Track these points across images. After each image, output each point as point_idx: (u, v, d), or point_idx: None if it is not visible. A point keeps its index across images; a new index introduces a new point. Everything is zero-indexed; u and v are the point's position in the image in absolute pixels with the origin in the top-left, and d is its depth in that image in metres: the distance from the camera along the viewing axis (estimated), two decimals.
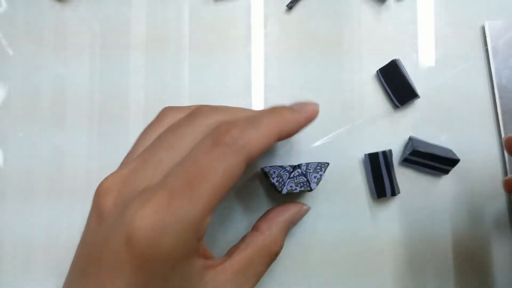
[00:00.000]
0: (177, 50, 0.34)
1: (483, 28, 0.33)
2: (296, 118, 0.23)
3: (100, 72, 0.34)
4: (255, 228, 0.26)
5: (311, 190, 0.28)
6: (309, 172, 0.28)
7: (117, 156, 0.33)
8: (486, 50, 0.33)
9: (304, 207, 0.29)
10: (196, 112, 0.23)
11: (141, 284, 0.18)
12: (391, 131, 0.33)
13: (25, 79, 0.34)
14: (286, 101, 0.33)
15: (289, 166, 0.29)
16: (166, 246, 0.18)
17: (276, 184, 0.28)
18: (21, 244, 0.32)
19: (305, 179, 0.28)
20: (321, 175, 0.28)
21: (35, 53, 0.34)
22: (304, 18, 0.34)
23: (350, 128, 0.33)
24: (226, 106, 0.24)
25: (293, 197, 0.32)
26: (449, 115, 0.33)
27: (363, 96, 0.33)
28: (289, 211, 0.27)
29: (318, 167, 0.29)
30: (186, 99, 0.33)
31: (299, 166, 0.29)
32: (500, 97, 0.32)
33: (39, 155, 0.33)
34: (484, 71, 0.33)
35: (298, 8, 0.34)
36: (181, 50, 0.34)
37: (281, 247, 0.26)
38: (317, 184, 0.28)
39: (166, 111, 0.25)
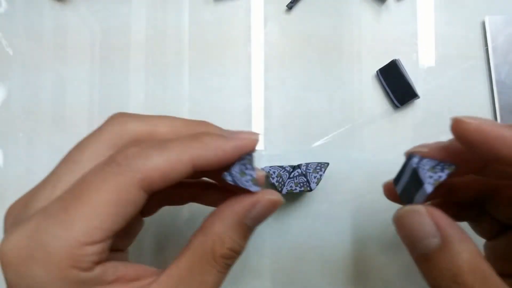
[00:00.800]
0: (177, 50, 0.34)
1: (483, 25, 0.33)
2: (221, 146, 0.18)
3: (100, 72, 0.34)
4: (200, 226, 0.21)
5: (311, 190, 0.28)
6: (309, 172, 0.28)
7: None
8: (486, 50, 0.33)
9: (266, 197, 0.20)
10: (106, 121, 0.20)
11: None
12: (391, 131, 0.33)
13: (25, 79, 0.34)
14: (286, 101, 0.33)
15: (289, 166, 0.29)
16: (36, 276, 0.16)
17: (276, 184, 0.28)
18: None
19: (305, 179, 0.28)
20: (321, 175, 0.28)
21: (35, 53, 0.34)
22: (304, 18, 0.34)
23: (350, 128, 0.33)
24: (149, 115, 0.20)
25: (294, 197, 0.32)
26: (449, 115, 0.33)
27: (363, 96, 0.33)
28: (241, 203, 0.20)
29: (318, 167, 0.29)
30: (186, 99, 0.33)
31: (299, 166, 0.29)
32: (499, 92, 0.32)
33: (39, 155, 0.33)
34: (484, 70, 0.33)
35: (298, 8, 0.34)
36: (181, 50, 0.34)
37: (233, 248, 0.19)
38: (317, 184, 0.28)
39: (112, 120, 0.20)
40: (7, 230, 0.18)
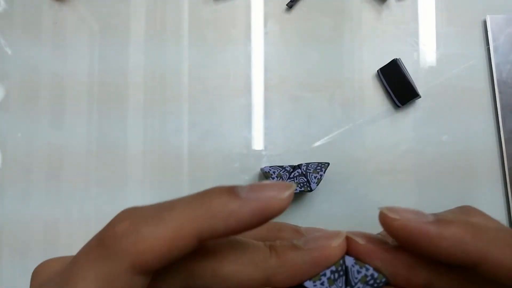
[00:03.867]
0: (177, 49, 0.34)
1: (484, 24, 0.33)
2: (233, 212, 0.14)
3: (99, 71, 0.34)
4: None
5: (311, 190, 0.28)
6: (309, 172, 0.28)
7: (116, 156, 0.33)
8: (488, 49, 0.33)
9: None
10: (109, 236, 0.15)
11: None
12: (392, 131, 0.32)
13: (23, 78, 0.33)
14: (286, 101, 0.33)
15: (289, 166, 0.29)
16: None
17: None
18: (19, 244, 0.32)
19: (305, 179, 0.28)
20: (321, 175, 0.28)
21: (34, 52, 0.34)
22: (304, 17, 0.34)
23: (351, 128, 0.33)
24: (149, 219, 0.15)
25: (294, 197, 0.31)
26: (450, 115, 0.32)
27: (363, 96, 0.33)
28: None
29: (318, 167, 0.28)
30: (186, 99, 0.33)
31: (299, 166, 0.29)
32: (500, 92, 0.32)
33: (38, 155, 0.33)
34: (485, 69, 0.33)
35: (298, 7, 0.34)
36: (181, 49, 0.34)
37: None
38: (317, 184, 0.28)
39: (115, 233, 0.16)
40: None
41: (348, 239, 0.16)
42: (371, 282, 0.17)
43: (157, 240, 0.14)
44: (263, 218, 0.14)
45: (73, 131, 0.33)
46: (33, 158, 0.33)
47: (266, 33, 0.34)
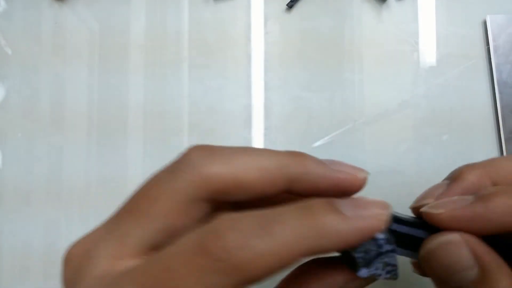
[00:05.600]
0: (176, 49, 0.34)
1: (484, 24, 0.33)
2: (341, 233, 0.14)
3: (99, 72, 0.34)
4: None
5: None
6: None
7: (116, 154, 0.33)
8: (488, 49, 0.33)
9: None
10: (180, 160, 0.15)
11: None
12: (392, 131, 0.32)
13: (23, 78, 0.33)
14: (286, 101, 0.33)
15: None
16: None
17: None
18: (19, 246, 0.32)
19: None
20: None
21: (34, 52, 0.34)
22: (304, 18, 0.34)
23: (351, 128, 0.33)
24: (230, 149, 0.16)
25: None
26: (450, 115, 0.32)
27: (363, 96, 0.33)
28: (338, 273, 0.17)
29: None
30: (186, 99, 0.33)
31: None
32: (500, 92, 0.32)
33: (37, 155, 0.33)
34: (485, 69, 0.33)
35: (298, 7, 0.34)
36: (180, 50, 0.34)
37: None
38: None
39: (190, 157, 0.15)
40: (68, 285, 0.16)
41: (427, 215, 0.17)
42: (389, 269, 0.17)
43: (269, 256, 0.13)
44: (363, 237, 0.14)
45: (73, 131, 0.33)
46: (33, 158, 0.33)
47: (266, 33, 0.34)
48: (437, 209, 0.16)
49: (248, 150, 0.15)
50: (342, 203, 0.14)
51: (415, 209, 0.19)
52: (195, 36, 0.34)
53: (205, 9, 0.34)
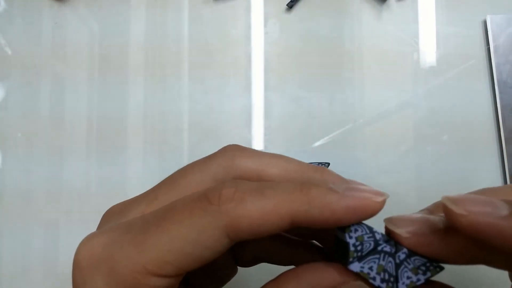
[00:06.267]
0: (176, 49, 0.34)
1: (484, 24, 0.33)
2: (329, 204, 0.15)
3: (99, 71, 0.34)
4: (274, 278, 0.18)
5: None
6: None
7: (116, 154, 0.33)
8: (488, 49, 0.33)
9: (358, 284, 0.16)
10: (218, 151, 0.18)
11: None
12: (392, 131, 0.32)
13: (24, 78, 0.34)
14: (286, 101, 0.33)
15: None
16: (94, 285, 0.15)
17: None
18: (19, 246, 0.32)
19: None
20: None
21: (34, 52, 0.34)
22: (304, 18, 0.34)
23: (351, 128, 0.33)
24: (263, 152, 0.18)
25: None
26: (450, 115, 0.32)
27: (363, 96, 0.33)
28: (327, 276, 0.16)
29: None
30: (186, 99, 0.33)
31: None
32: (500, 92, 0.32)
33: (37, 155, 0.33)
34: (485, 70, 0.33)
35: (298, 7, 0.34)
36: (180, 50, 0.34)
37: None
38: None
39: (224, 151, 0.18)
40: (99, 227, 0.18)
41: (448, 212, 0.14)
42: (423, 269, 0.16)
43: (256, 211, 0.15)
44: (355, 217, 0.15)
45: (73, 130, 0.33)
46: (33, 158, 0.33)
47: (266, 33, 0.34)
48: (460, 209, 0.14)
49: (276, 154, 0.18)
50: (337, 186, 0.16)
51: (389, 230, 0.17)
52: (195, 36, 0.34)
53: (205, 9, 0.34)
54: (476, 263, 0.15)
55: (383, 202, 0.15)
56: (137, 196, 0.19)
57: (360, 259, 0.16)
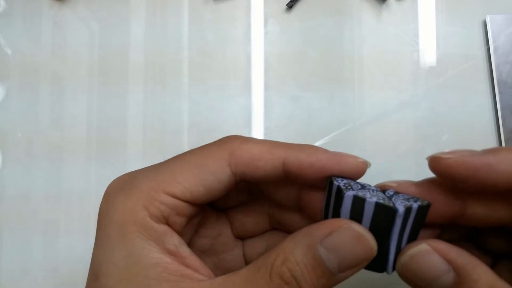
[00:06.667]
0: (176, 49, 0.34)
1: (484, 24, 0.33)
2: (317, 154, 0.18)
3: (99, 71, 0.34)
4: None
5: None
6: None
7: (116, 154, 0.33)
8: (488, 49, 0.33)
9: (350, 226, 0.16)
10: (225, 138, 0.20)
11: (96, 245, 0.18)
12: (392, 131, 0.32)
13: (24, 78, 0.33)
14: (286, 101, 0.33)
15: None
16: (117, 203, 0.18)
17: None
18: (19, 246, 0.32)
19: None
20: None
21: (34, 52, 0.34)
22: (304, 18, 0.34)
23: (351, 128, 0.33)
24: (258, 139, 0.20)
25: None
26: (450, 115, 0.32)
27: (363, 96, 0.33)
28: (318, 226, 0.17)
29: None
30: (186, 99, 0.33)
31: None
32: (500, 92, 0.32)
33: (37, 155, 0.33)
34: (485, 70, 0.33)
35: (298, 7, 0.34)
36: (180, 50, 0.34)
37: (294, 271, 0.15)
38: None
39: (229, 137, 0.20)
40: (107, 195, 0.20)
41: (434, 159, 0.18)
42: (412, 199, 0.17)
43: (255, 148, 0.18)
44: (339, 169, 0.18)
45: (73, 130, 0.33)
46: (33, 158, 0.33)
47: (266, 33, 0.34)
48: (447, 155, 0.17)
49: (262, 140, 0.19)
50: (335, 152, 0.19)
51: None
52: (195, 36, 0.34)
53: (205, 9, 0.34)
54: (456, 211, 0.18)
55: (365, 164, 0.18)
56: (145, 169, 0.20)
57: (351, 190, 0.17)
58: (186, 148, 0.32)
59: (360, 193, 0.16)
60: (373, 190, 0.17)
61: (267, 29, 0.34)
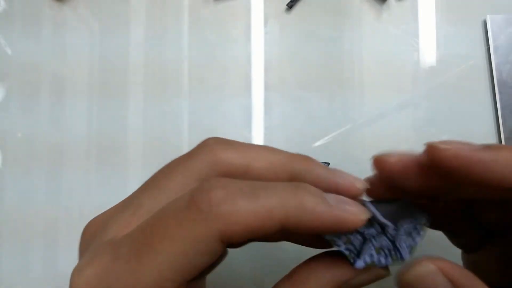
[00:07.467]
0: (176, 50, 0.34)
1: (484, 24, 0.33)
2: (320, 215, 0.15)
3: (99, 71, 0.34)
4: (287, 277, 0.18)
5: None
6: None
7: (116, 153, 0.33)
8: (488, 49, 0.33)
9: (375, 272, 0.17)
10: (199, 146, 0.18)
11: None
12: (392, 131, 0.32)
13: (23, 78, 0.34)
14: (286, 101, 0.33)
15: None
16: None
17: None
18: (19, 246, 0.32)
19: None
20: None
21: (34, 52, 0.34)
22: (304, 18, 0.34)
23: (351, 128, 0.33)
24: (245, 144, 0.18)
25: None
26: (450, 115, 0.32)
27: (363, 96, 0.33)
28: (342, 267, 0.17)
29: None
30: (186, 99, 0.33)
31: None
32: (500, 92, 0.32)
33: (37, 155, 0.33)
34: (485, 69, 0.33)
35: (298, 7, 0.34)
36: (180, 50, 0.34)
37: None
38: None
39: (205, 146, 0.18)
40: (81, 247, 0.17)
41: (432, 147, 0.16)
42: (414, 231, 0.17)
43: (249, 216, 0.14)
44: (337, 228, 0.16)
45: (73, 130, 0.33)
46: (33, 158, 0.33)
47: (266, 33, 0.34)
48: (444, 145, 0.16)
49: (259, 146, 0.17)
50: (328, 195, 0.16)
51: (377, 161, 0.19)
52: (195, 36, 0.34)
53: (205, 9, 0.34)
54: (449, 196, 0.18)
55: (365, 220, 0.16)
56: (117, 205, 0.18)
57: (358, 255, 0.17)
58: (186, 149, 0.32)
59: (368, 258, 0.17)
60: (375, 239, 0.17)
61: (267, 29, 0.34)
